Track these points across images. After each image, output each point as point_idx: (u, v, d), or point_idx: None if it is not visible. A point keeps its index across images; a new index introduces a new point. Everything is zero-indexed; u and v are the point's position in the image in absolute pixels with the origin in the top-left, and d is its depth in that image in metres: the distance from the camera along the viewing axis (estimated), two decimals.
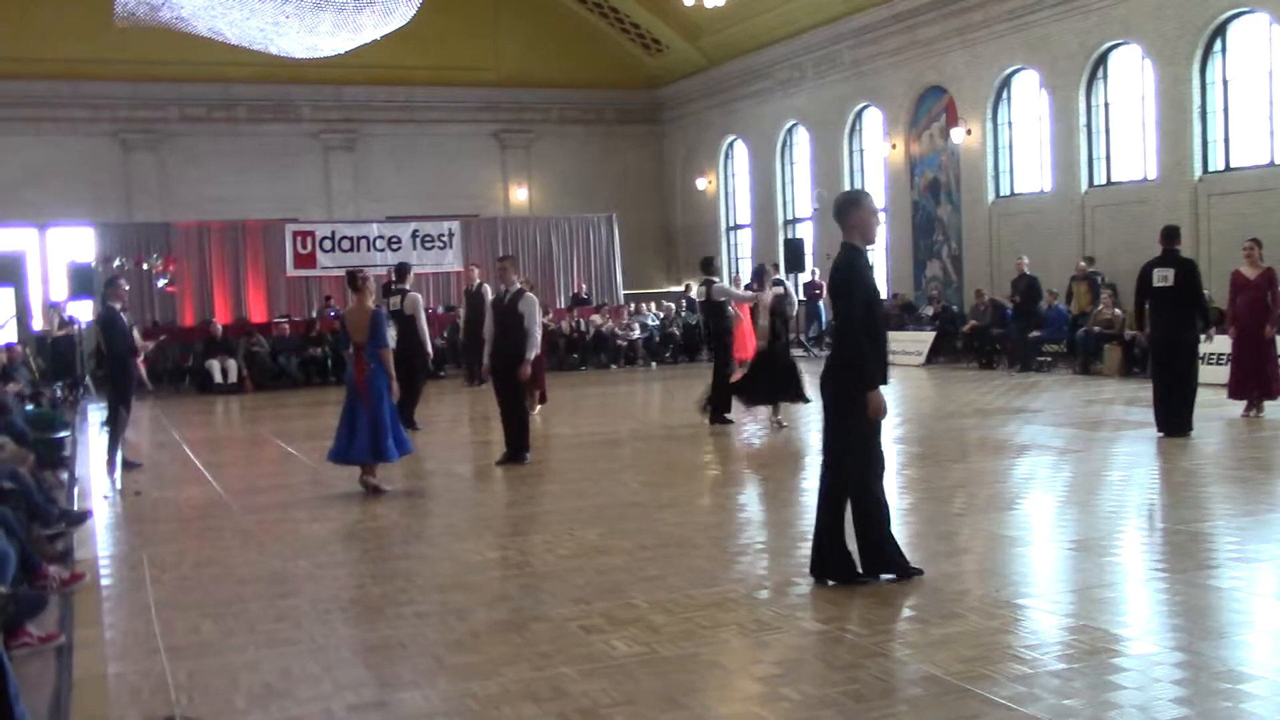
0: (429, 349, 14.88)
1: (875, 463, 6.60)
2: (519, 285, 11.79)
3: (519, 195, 32.53)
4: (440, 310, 25.45)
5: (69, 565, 7.77)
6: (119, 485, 10.88)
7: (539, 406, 15.63)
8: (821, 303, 25.82)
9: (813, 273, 26.65)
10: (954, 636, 5.53)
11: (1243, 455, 10.85)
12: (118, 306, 12.56)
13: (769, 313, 13.48)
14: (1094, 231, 20.96)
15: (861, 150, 27.11)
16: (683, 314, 27.43)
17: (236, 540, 8.60)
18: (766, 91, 29.48)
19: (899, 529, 6.95)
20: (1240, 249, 13.25)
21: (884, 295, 7.75)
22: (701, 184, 32.55)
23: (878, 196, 24.39)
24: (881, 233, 6.39)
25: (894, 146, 25.41)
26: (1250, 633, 5.58)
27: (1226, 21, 18.62)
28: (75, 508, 9.53)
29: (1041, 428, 12.99)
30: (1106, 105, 20.92)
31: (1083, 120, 21.10)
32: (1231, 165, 18.86)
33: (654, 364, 25.66)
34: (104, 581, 7.52)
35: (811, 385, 11.79)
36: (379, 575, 7.30)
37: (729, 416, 14.18)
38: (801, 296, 25.20)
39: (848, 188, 25.86)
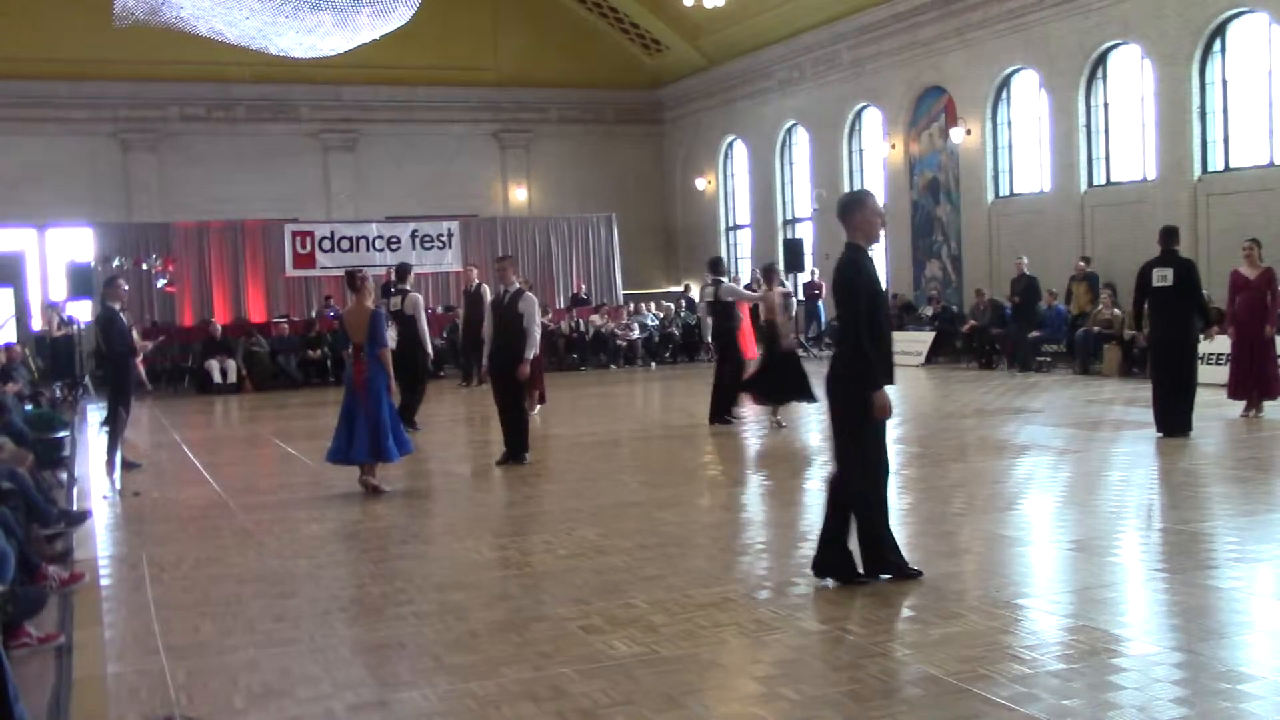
0: (430, 349, 14.87)
1: (880, 463, 6.60)
2: (518, 285, 11.79)
3: (518, 195, 32.53)
4: (439, 310, 25.44)
5: (68, 565, 7.77)
6: (118, 485, 10.87)
7: (538, 407, 15.63)
8: (821, 303, 25.83)
9: (812, 273, 26.66)
10: (954, 636, 5.53)
11: (1242, 455, 10.85)
12: (117, 306, 12.56)
13: (777, 311, 13.59)
14: (1093, 231, 20.97)
15: (861, 150, 27.12)
16: (682, 314, 27.43)
17: (236, 540, 8.59)
18: (766, 91, 29.48)
19: (899, 529, 6.95)
20: (1240, 249, 13.26)
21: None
22: (701, 184, 32.55)
23: (877, 196, 24.36)
24: (881, 233, 6.39)
25: (893, 146, 25.41)
26: (1249, 633, 5.58)
27: (1226, 21, 18.63)
28: (74, 508, 9.52)
29: (1041, 428, 12.99)
30: (1106, 105, 20.92)
31: (1082, 120, 21.10)
32: (1231, 165, 18.86)
33: (653, 364, 25.66)
34: (103, 581, 7.52)
35: (816, 385, 11.82)
36: (378, 575, 7.29)
37: (729, 417, 14.19)
38: (801, 296, 25.21)
39: (847, 188, 25.89)
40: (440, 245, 26.93)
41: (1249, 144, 18.57)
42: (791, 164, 29.65)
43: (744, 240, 31.90)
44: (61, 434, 11.80)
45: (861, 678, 5.05)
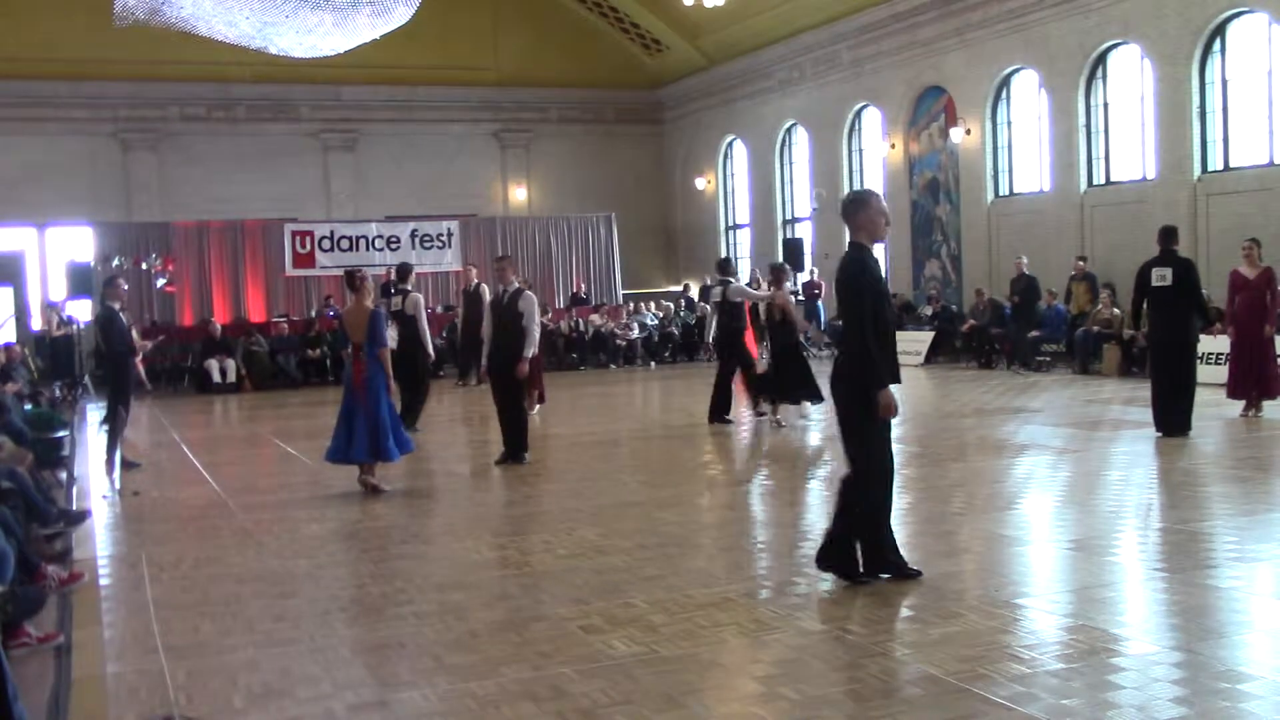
0: (431, 350, 14.86)
1: (885, 463, 6.60)
2: (517, 284, 11.78)
3: (518, 195, 32.52)
4: (439, 310, 25.45)
5: (67, 565, 7.78)
6: (118, 485, 10.87)
7: (538, 406, 15.63)
8: (821, 302, 25.83)
9: (812, 272, 26.66)
10: (953, 636, 5.53)
11: (1241, 455, 10.85)
12: (116, 306, 12.55)
13: (791, 308, 13.68)
14: (1093, 231, 20.96)
15: (861, 150, 27.11)
16: (681, 314, 27.43)
17: (235, 540, 8.59)
18: (766, 91, 29.48)
19: (898, 528, 6.95)
20: (1239, 249, 13.26)
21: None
22: (701, 184, 32.55)
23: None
24: (886, 232, 6.41)
25: (893, 146, 25.41)
26: (1249, 632, 5.58)
27: (1226, 21, 18.62)
28: (74, 507, 9.53)
29: (1040, 427, 13.00)
30: (1106, 105, 20.92)
31: (1082, 120, 21.10)
32: (1230, 165, 18.85)
33: (653, 364, 25.66)
34: (102, 581, 7.52)
35: (823, 384, 11.82)
36: (378, 575, 7.29)
37: (729, 417, 14.20)
38: (801, 296, 25.21)
39: (847, 188, 25.92)
40: (440, 245, 26.93)
41: (1249, 144, 18.56)
42: (791, 164, 29.64)
43: (744, 240, 31.89)
44: (61, 433, 11.80)
45: (861, 677, 5.05)
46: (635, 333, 26.01)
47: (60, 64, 27.04)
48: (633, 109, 33.58)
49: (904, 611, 6.07)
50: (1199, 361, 12.12)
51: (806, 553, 6.96)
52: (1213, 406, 13.02)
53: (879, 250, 7.10)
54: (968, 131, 23.36)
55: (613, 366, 25.35)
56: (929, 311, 23.76)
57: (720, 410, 14.19)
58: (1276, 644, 5.44)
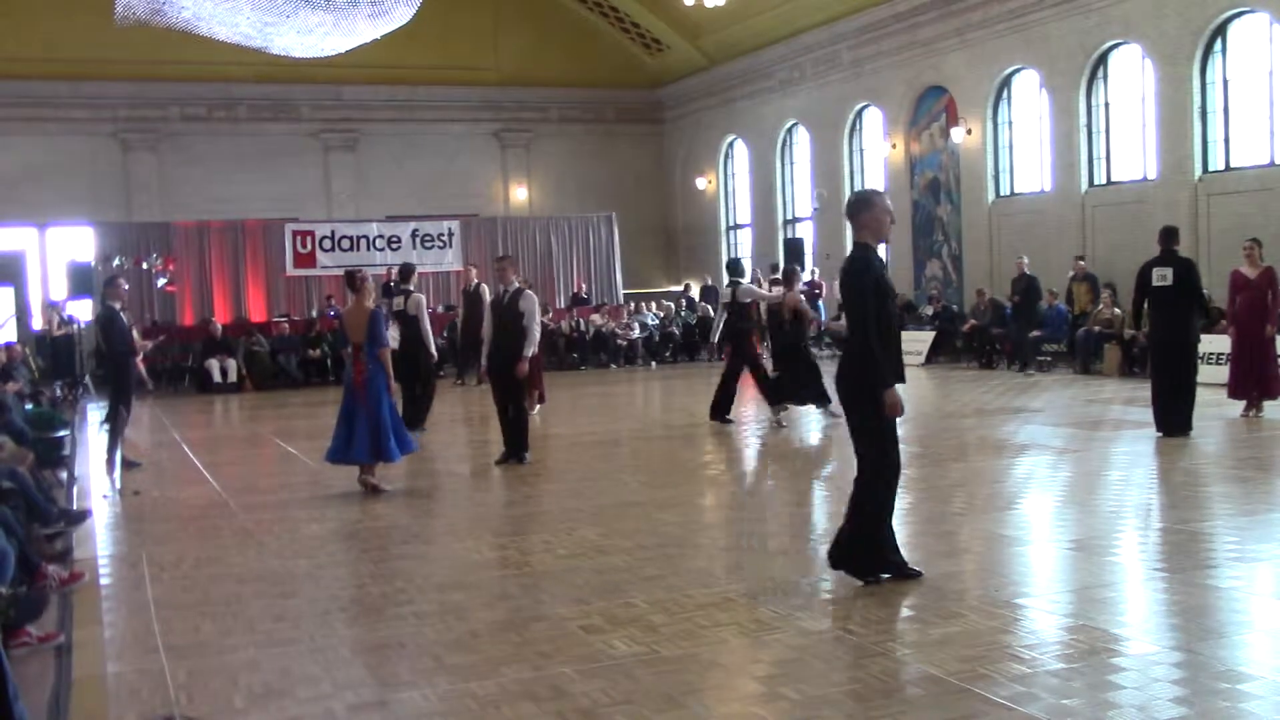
0: (433, 350, 14.84)
1: (891, 462, 6.59)
2: (517, 284, 11.78)
3: (519, 195, 32.53)
4: (440, 310, 25.45)
5: (68, 564, 7.78)
6: (118, 484, 10.87)
7: (538, 406, 15.63)
8: (821, 302, 25.81)
9: (812, 272, 26.64)
10: (954, 636, 5.53)
11: (1242, 455, 10.85)
12: (117, 306, 12.56)
13: (793, 311, 13.65)
14: (1094, 231, 20.96)
15: (861, 150, 27.11)
16: (682, 314, 27.43)
17: (236, 540, 8.59)
18: (766, 91, 29.48)
19: (898, 528, 6.94)
20: (1240, 249, 13.25)
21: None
22: (701, 184, 32.55)
23: None
24: (890, 232, 6.41)
25: (894, 146, 25.41)
26: (1249, 632, 5.58)
27: (1226, 21, 18.62)
28: (74, 507, 9.53)
29: (1041, 427, 12.99)
30: (1106, 105, 20.91)
31: (1083, 120, 21.09)
32: (1231, 165, 18.85)
33: (653, 364, 25.66)
34: (103, 581, 7.52)
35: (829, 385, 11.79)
36: (378, 575, 7.29)
37: (730, 417, 14.19)
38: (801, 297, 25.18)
39: (848, 188, 25.94)
40: (441, 245, 26.93)
41: (1249, 144, 18.56)
42: (792, 164, 29.64)
43: (744, 240, 31.88)
44: (61, 433, 11.81)
45: (862, 677, 5.05)
46: (636, 333, 26.01)
47: (61, 64, 27.04)
48: (633, 109, 33.58)
49: (905, 611, 6.07)
50: (1200, 361, 12.12)
51: (807, 553, 6.96)
52: (1213, 406, 13.01)
53: (882, 250, 7.09)
54: (968, 131, 23.36)
55: (613, 366, 25.35)
56: (930, 311, 23.76)
57: (721, 409, 14.19)
58: (1276, 644, 5.44)
